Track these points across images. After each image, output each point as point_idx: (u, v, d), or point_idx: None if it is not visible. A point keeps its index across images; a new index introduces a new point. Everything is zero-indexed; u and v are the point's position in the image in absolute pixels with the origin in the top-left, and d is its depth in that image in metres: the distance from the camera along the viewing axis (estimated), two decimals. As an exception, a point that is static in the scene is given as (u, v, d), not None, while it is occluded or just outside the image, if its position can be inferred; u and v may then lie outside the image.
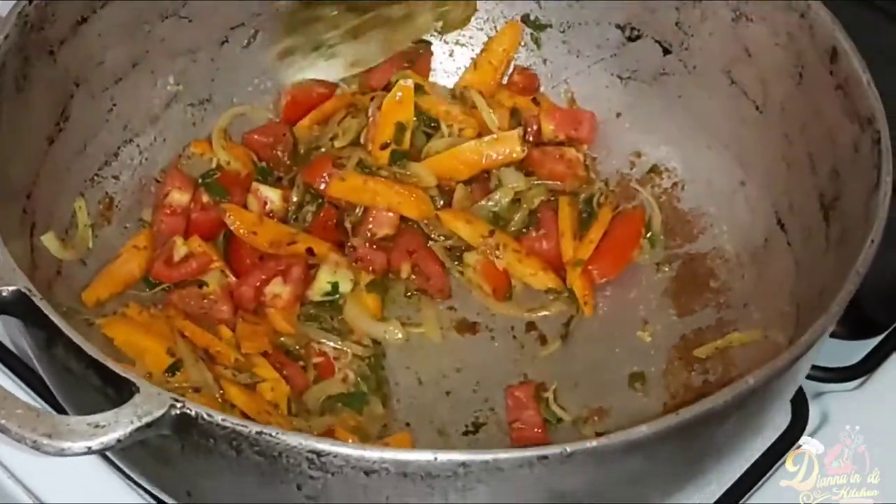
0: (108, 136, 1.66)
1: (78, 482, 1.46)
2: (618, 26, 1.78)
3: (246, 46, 1.78)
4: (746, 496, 1.51)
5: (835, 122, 1.51)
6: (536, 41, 1.83)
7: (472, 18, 1.85)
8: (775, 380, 1.25)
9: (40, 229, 1.51)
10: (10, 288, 1.23)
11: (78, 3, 1.55)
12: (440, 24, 1.84)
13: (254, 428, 1.12)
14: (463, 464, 1.12)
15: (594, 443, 1.13)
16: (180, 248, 1.61)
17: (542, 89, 1.84)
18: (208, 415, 1.13)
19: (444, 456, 1.12)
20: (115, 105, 1.65)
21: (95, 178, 1.64)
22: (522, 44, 1.83)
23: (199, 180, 1.70)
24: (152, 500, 1.45)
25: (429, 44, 1.86)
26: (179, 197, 1.66)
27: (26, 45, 1.47)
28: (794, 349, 1.24)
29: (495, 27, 1.84)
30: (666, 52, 1.75)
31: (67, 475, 1.45)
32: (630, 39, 1.77)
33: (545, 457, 1.12)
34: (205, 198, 1.68)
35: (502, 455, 1.12)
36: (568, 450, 1.12)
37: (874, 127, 1.44)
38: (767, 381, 1.22)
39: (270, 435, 1.12)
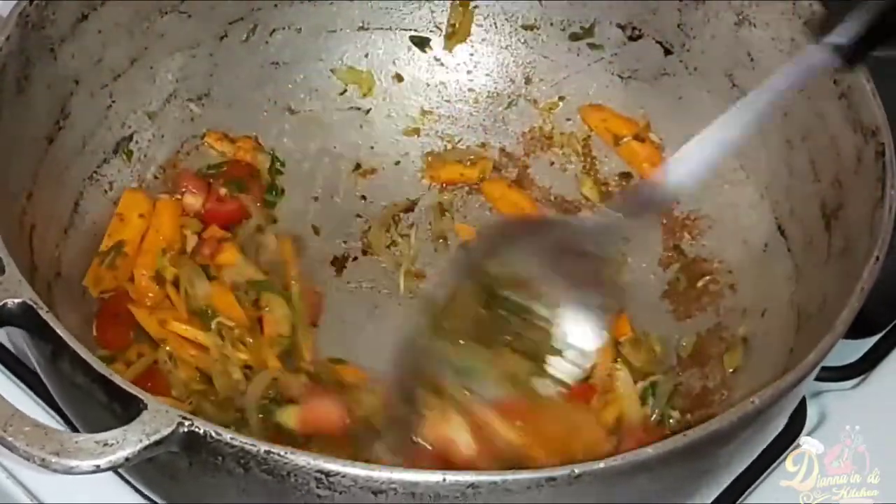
0: (106, 134, 1.64)
1: (77, 483, 1.46)
2: (619, 25, 1.77)
3: (245, 41, 1.77)
4: (744, 495, 1.51)
5: (838, 131, 1.51)
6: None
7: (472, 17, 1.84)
8: (780, 399, 1.26)
9: (39, 230, 1.50)
10: (17, 300, 1.22)
11: (78, 0, 1.54)
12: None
13: (262, 447, 1.12)
14: (472, 485, 1.12)
15: (601, 464, 1.14)
16: (191, 239, 1.64)
17: (540, 86, 1.83)
18: (217, 433, 1.13)
19: (453, 477, 1.12)
20: (113, 102, 1.64)
21: (94, 176, 1.63)
22: (522, 42, 1.83)
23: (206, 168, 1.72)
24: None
25: (427, 40, 1.85)
26: (193, 201, 1.67)
27: (27, 45, 1.46)
28: (799, 369, 1.25)
29: (495, 24, 1.83)
30: (667, 52, 1.74)
31: (67, 476, 1.45)
32: (631, 39, 1.77)
33: (553, 478, 1.13)
34: (222, 190, 1.69)
35: (511, 476, 1.12)
36: (576, 471, 1.13)
37: (878, 139, 1.43)
38: (773, 401, 1.23)
39: (279, 454, 1.12)
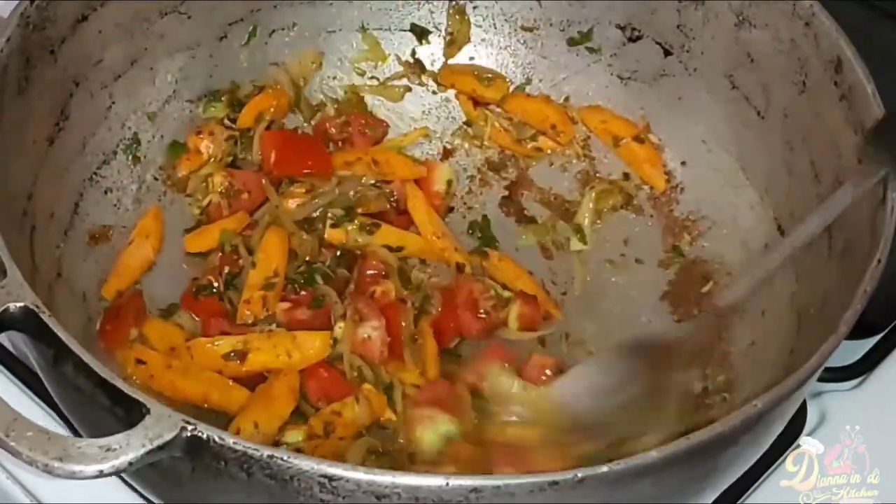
0: (106, 135, 1.64)
1: (78, 484, 1.45)
2: (618, 26, 1.77)
3: (245, 43, 1.77)
4: (745, 496, 1.52)
5: (838, 132, 1.50)
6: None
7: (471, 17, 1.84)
8: (783, 401, 1.26)
9: (40, 232, 1.50)
10: (19, 304, 1.21)
11: (78, 1, 1.54)
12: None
13: (265, 451, 1.12)
14: (474, 489, 1.12)
15: (605, 468, 1.13)
16: None
17: (540, 87, 1.84)
18: (220, 437, 1.12)
19: (456, 481, 1.11)
20: (113, 103, 1.64)
21: (94, 177, 1.63)
22: (521, 42, 1.83)
23: None
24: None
25: (428, 32, 1.85)
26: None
27: (28, 46, 1.46)
28: (802, 371, 1.24)
29: (494, 24, 1.84)
30: (667, 53, 1.74)
31: (69, 479, 1.45)
32: (630, 40, 1.77)
33: (556, 482, 1.12)
34: None
35: (513, 480, 1.12)
36: (579, 475, 1.12)
37: (879, 141, 1.44)
38: (775, 404, 1.23)
39: (282, 459, 1.12)
